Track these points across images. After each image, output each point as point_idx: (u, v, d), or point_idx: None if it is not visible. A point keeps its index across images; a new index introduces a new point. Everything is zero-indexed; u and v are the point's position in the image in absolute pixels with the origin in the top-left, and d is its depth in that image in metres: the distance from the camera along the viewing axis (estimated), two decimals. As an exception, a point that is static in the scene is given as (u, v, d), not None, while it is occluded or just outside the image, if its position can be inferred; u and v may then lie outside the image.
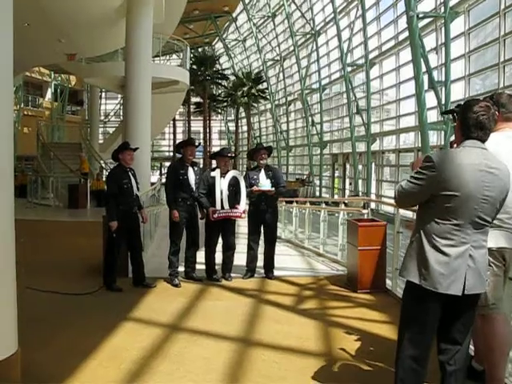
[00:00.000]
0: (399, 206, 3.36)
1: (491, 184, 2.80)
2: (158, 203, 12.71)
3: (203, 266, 7.08)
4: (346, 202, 12.11)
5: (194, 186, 6.84)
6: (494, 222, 3.21)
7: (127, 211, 6.53)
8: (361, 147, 25.31)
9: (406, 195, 2.99)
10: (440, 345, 2.98)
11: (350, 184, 27.11)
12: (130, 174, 6.63)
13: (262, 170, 7.20)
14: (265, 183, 7.05)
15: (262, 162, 7.25)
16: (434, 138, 16.73)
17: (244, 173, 7.69)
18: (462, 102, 3.45)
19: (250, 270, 7.25)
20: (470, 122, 2.91)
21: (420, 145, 17.27)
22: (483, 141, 2.92)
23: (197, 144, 7.14)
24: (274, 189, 7.03)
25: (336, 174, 30.31)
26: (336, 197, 28.46)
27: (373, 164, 24.38)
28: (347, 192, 27.52)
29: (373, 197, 23.27)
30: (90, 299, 5.95)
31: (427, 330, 2.90)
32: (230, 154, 7.23)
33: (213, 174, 6.87)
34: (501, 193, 2.85)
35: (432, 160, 2.84)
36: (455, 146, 3.62)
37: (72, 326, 4.90)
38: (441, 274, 2.79)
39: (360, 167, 25.58)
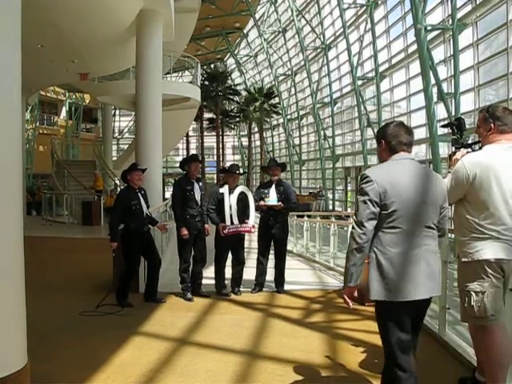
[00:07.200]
0: None
1: (427, 188, 3.00)
2: (170, 219, 12.81)
3: (212, 281, 7.17)
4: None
5: (199, 202, 6.95)
6: (492, 233, 3.27)
7: (138, 231, 6.63)
8: (373, 160, 25.27)
9: None
10: None
11: (363, 197, 26.96)
12: (139, 194, 6.74)
13: (273, 185, 7.29)
14: (272, 198, 7.14)
15: (273, 177, 7.36)
16: (444, 150, 16.67)
17: (256, 187, 7.84)
18: (460, 116, 3.53)
19: (259, 284, 7.31)
20: None
21: (431, 157, 17.25)
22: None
23: (200, 159, 7.29)
24: (280, 203, 7.11)
25: (349, 188, 30.24)
26: (349, 210, 28.38)
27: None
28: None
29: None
30: (100, 315, 6.04)
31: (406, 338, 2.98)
32: (238, 171, 7.28)
33: (221, 190, 6.97)
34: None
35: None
36: (454, 159, 3.69)
37: (82, 341, 4.99)
38: (402, 283, 2.89)
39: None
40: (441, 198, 3.06)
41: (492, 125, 3.46)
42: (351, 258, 2.94)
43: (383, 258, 2.89)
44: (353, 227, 2.97)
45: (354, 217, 2.98)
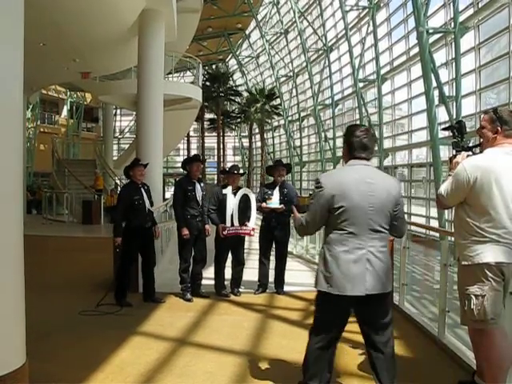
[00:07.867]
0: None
1: (375, 193, 3.20)
2: (171, 219, 12.80)
3: (212, 282, 7.15)
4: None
5: (200, 202, 6.94)
6: (492, 236, 3.27)
7: (140, 227, 6.62)
8: (374, 162, 25.18)
9: None
10: (368, 349, 3.39)
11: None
12: (142, 190, 6.74)
13: (277, 187, 7.27)
14: (274, 200, 7.12)
15: (278, 178, 7.34)
16: (445, 153, 16.65)
17: (258, 189, 7.80)
18: (461, 119, 3.54)
19: (262, 285, 7.28)
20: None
21: (432, 160, 17.24)
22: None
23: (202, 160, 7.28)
24: (282, 206, 7.09)
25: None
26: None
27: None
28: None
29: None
30: (99, 314, 6.03)
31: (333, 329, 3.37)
32: (238, 172, 7.25)
33: (224, 191, 6.95)
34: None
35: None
36: (454, 162, 3.68)
37: (81, 340, 4.99)
38: (343, 278, 3.12)
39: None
40: (390, 203, 3.25)
41: (499, 128, 3.44)
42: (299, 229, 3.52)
43: (329, 255, 3.18)
44: (302, 222, 3.38)
45: (305, 215, 3.32)
